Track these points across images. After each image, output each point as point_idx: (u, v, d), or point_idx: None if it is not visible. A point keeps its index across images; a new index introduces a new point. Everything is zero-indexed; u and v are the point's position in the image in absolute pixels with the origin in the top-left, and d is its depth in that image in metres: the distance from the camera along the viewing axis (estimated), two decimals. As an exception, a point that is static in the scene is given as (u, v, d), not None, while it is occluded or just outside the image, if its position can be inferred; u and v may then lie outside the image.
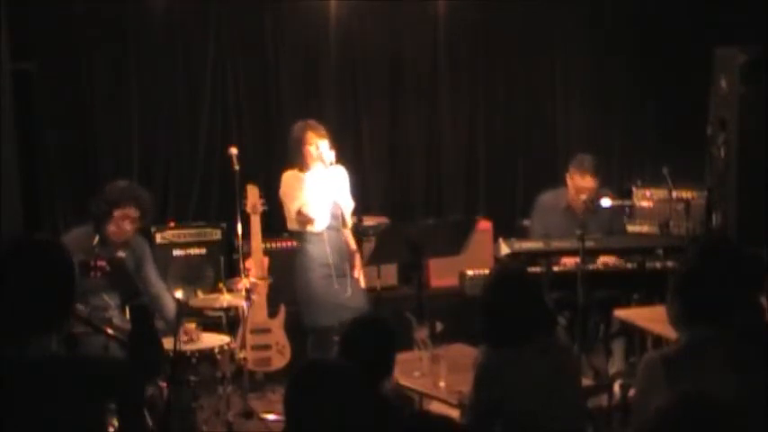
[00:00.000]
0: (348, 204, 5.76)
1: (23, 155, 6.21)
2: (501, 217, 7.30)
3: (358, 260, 5.82)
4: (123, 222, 4.94)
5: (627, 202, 6.56)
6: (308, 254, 5.67)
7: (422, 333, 4.82)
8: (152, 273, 5.24)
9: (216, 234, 6.66)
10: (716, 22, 7.31)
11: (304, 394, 2.68)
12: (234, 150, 5.65)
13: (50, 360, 2.56)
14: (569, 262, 5.92)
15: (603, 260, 6.04)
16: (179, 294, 5.12)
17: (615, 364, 6.08)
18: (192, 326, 5.22)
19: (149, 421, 4.44)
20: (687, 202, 5.95)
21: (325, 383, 2.66)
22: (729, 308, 2.82)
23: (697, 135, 7.01)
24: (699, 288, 2.83)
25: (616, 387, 5.39)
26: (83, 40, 6.75)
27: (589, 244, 5.57)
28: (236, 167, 5.59)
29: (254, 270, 5.70)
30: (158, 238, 6.48)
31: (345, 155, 6.25)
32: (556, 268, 5.97)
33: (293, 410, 2.70)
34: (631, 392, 4.87)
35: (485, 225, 7.01)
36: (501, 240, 5.98)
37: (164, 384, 4.71)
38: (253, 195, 5.70)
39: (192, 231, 6.66)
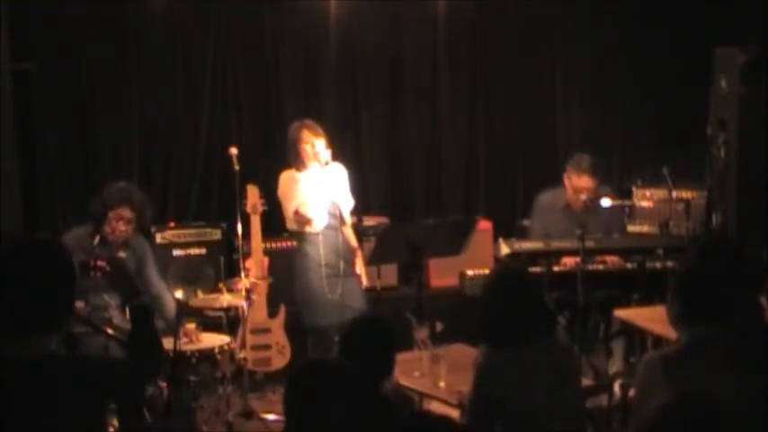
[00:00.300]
0: (347, 202, 5.76)
1: (23, 155, 6.21)
2: (501, 217, 7.30)
3: (360, 258, 5.82)
4: (117, 223, 4.95)
5: (627, 202, 6.56)
6: (306, 254, 5.68)
7: (422, 333, 4.82)
8: (153, 273, 5.24)
9: (216, 234, 6.66)
10: (716, 22, 7.31)
11: (304, 394, 2.68)
12: (234, 150, 5.65)
13: (50, 360, 2.56)
14: (569, 262, 5.93)
15: (603, 260, 6.04)
16: (179, 294, 5.12)
17: (615, 364, 6.08)
18: (191, 326, 5.21)
19: (149, 421, 4.44)
20: (687, 202, 5.95)
21: (325, 383, 2.66)
22: (729, 308, 2.82)
23: (697, 135, 7.01)
24: (699, 288, 2.83)
25: (616, 387, 5.38)
26: (83, 40, 6.76)
27: (589, 244, 5.58)
28: (236, 167, 5.60)
29: (254, 270, 5.70)
30: (158, 238, 6.48)
31: (345, 155, 6.26)
32: (556, 268, 5.98)
33: (293, 410, 2.70)
34: (631, 392, 4.87)
35: (485, 225, 7.01)
36: (501, 240, 5.99)
37: (164, 384, 4.72)
38: (253, 195, 5.70)
39: (192, 231, 6.66)
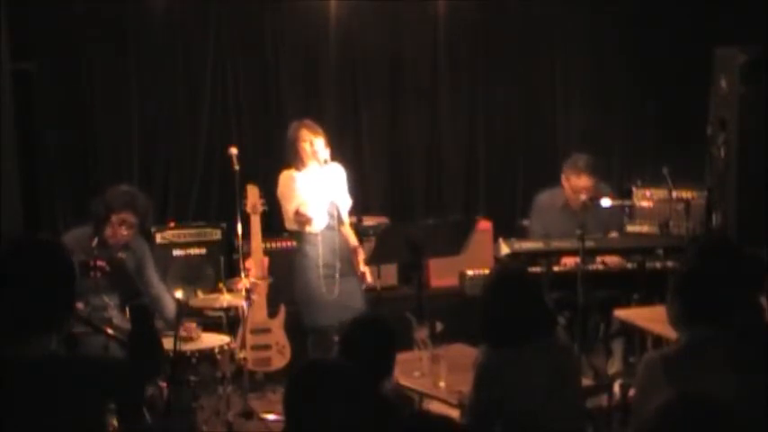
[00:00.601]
0: (345, 202, 5.76)
1: (23, 155, 6.21)
2: (501, 217, 7.30)
3: (361, 256, 5.82)
4: (120, 228, 4.95)
5: (627, 202, 6.57)
6: (306, 254, 5.68)
7: (422, 333, 4.82)
8: (153, 274, 5.25)
9: (216, 234, 6.66)
10: (716, 22, 7.31)
11: (304, 394, 2.68)
12: (234, 150, 5.65)
13: (50, 360, 2.56)
14: (569, 262, 5.93)
15: (603, 260, 6.05)
16: (179, 294, 5.12)
17: (615, 364, 6.08)
18: (191, 326, 5.21)
19: (149, 421, 4.44)
20: (687, 202, 5.96)
21: (325, 383, 2.66)
22: (729, 308, 2.82)
23: (697, 135, 7.01)
24: (699, 288, 2.83)
25: (616, 387, 5.38)
26: (83, 40, 6.75)
27: (589, 244, 5.58)
28: (236, 167, 5.60)
29: (254, 270, 5.70)
30: (158, 238, 6.48)
31: (345, 155, 6.26)
32: (556, 268, 5.98)
33: (293, 410, 2.70)
34: (631, 392, 4.87)
35: (485, 225, 7.01)
36: (501, 240, 5.99)
37: (164, 384, 4.71)
38: (253, 195, 5.70)
39: (192, 231, 6.66)
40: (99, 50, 6.82)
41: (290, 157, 5.66)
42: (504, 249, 5.87)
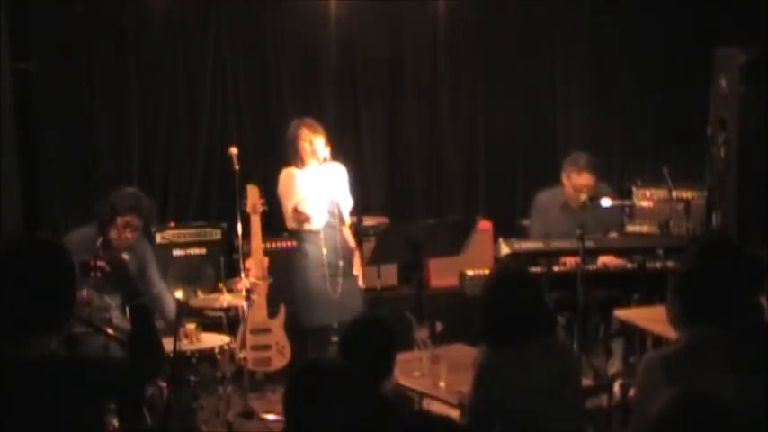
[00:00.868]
0: (346, 202, 5.76)
1: (23, 155, 6.21)
2: (501, 217, 7.30)
3: (357, 258, 5.82)
4: (125, 230, 4.96)
5: (627, 202, 6.56)
6: (305, 253, 5.69)
7: (422, 333, 4.82)
8: (154, 274, 5.25)
9: (216, 234, 6.66)
10: (716, 22, 7.31)
11: (304, 394, 2.68)
12: (234, 150, 5.65)
13: (50, 360, 2.56)
14: (569, 262, 5.93)
15: (603, 260, 6.05)
16: (179, 294, 5.13)
17: (615, 364, 6.08)
18: (192, 326, 5.21)
19: (149, 421, 4.44)
20: (687, 202, 5.96)
21: (325, 383, 2.66)
22: (729, 308, 2.82)
23: (697, 135, 7.01)
24: (699, 288, 2.83)
25: (616, 387, 5.38)
26: (83, 40, 6.75)
27: (589, 244, 5.58)
28: (236, 167, 5.60)
29: (254, 270, 5.70)
30: (158, 238, 6.48)
31: (345, 155, 6.26)
32: (556, 268, 5.98)
33: (293, 410, 2.70)
34: (631, 392, 4.86)
35: (485, 225, 7.01)
36: (501, 240, 5.99)
37: (164, 384, 4.71)
38: (253, 195, 5.70)
39: (192, 231, 6.66)
40: (99, 50, 6.82)
41: (290, 156, 5.67)
42: (504, 249, 5.87)
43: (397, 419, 2.92)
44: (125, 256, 4.89)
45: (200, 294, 5.63)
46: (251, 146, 7.02)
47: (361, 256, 5.90)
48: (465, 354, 4.54)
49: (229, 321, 5.76)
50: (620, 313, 5.47)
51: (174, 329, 4.90)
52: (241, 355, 5.53)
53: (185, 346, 5.00)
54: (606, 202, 6.02)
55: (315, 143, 5.59)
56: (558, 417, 3.52)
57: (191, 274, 6.41)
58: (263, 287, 5.78)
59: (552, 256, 5.96)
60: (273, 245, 6.50)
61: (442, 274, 6.87)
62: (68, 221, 6.37)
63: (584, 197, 6.06)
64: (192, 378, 4.94)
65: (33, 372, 2.51)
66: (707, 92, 6.83)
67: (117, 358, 3.54)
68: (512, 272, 3.96)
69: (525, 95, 7.85)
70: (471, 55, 7.71)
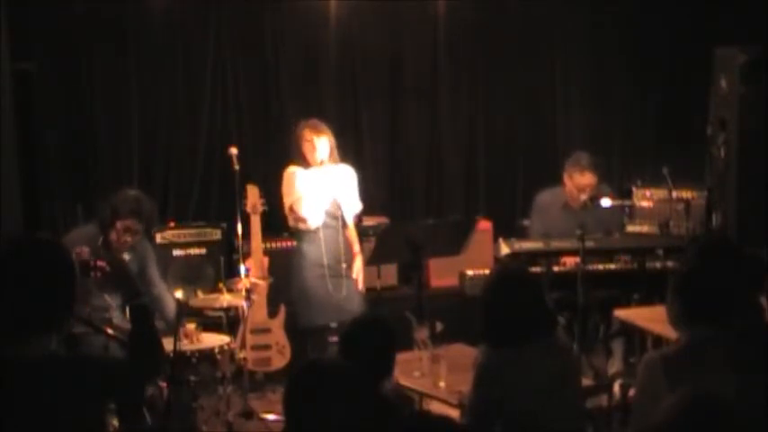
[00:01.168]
0: (351, 204, 5.76)
1: (23, 155, 6.21)
2: (501, 217, 7.30)
3: (359, 262, 5.82)
4: (124, 234, 4.95)
5: (627, 202, 6.57)
6: (303, 253, 5.70)
7: (422, 333, 4.81)
8: (155, 274, 5.24)
9: (216, 234, 6.66)
10: (716, 22, 7.31)
11: (304, 394, 2.68)
12: (234, 150, 5.65)
13: (50, 360, 2.56)
14: (569, 262, 5.93)
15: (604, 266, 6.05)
16: (179, 294, 5.12)
17: (615, 364, 6.08)
18: (191, 327, 5.21)
19: (149, 421, 4.44)
20: (687, 202, 5.96)
21: (325, 383, 2.66)
22: (729, 308, 2.81)
23: (697, 135, 7.01)
24: (699, 288, 2.83)
25: (616, 387, 5.38)
26: (83, 40, 6.75)
27: (589, 244, 5.58)
28: (236, 167, 5.60)
29: (254, 270, 5.71)
30: (158, 238, 6.47)
31: (345, 155, 6.25)
32: (556, 268, 5.98)
33: (293, 410, 2.70)
34: (631, 392, 4.86)
35: (485, 225, 7.01)
36: (501, 240, 5.99)
37: (164, 384, 4.71)
38: (253, 195, 5.70)
39: (192, 231, 6.66)
40: (99, 50, 6.81)
41: (295, 155, 5.68)
42: (504, 249, 5.87)
43: (397, 419, 2.92)
44: (125, 256, 4.89)
45: (200, 294, 5.63)
46: (251, 146, 7.02)
47: (363, 260, 5.89)
48: (465, 354, 4.54)
49: (229, 321, 5.77)
50: (620, 313, 5.47)
51: (174, 329, 4.89)
52: (241, 355, 5.53)
53: (185, 346, 5.00)
54: (606, 202, 6.03)
55: (316, 144, 5.59)
56: (558, 417, 3.52)
57: (191, 274, 6.41)
58: (263, 287, 5.78)
59: (552, 256, 5.96)
60: (273, 245, 6.50)
61: (442, 274, 6.87)
62: (68, 221, 6.36)
63: (584, 197, 6.06)
64: (192, 378, 4.94)
65: (33, 372, 2.51)
66: (707, 92, 6.83)
67: (117, 358, 3.54)
68: (512, 272, 3.96)
69: (525, 95, 7.85)
70: (471, 55, 7.71)
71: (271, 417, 5.50)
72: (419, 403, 4.47)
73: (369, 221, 6.86)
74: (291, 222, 5.73)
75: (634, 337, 5.68)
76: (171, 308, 5.13)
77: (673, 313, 2.89)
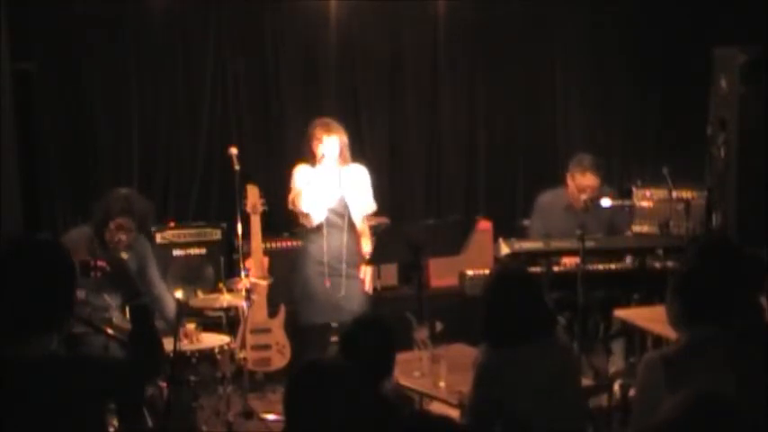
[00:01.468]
0: (362, 204, 5.74)
1: (23, 155, 6.21)
2: (501, 217, 7.30)
3: (366, 263, 5.82)
4: (118, 233, 4.95)
5: (627, 202, 6.56)
6: (306, 251, 5.71)
7: (422, 333, 4.81)
8: (154, 274, 5.24)
9: (216, 234, 6.66)
10: (716, 22, 7.30)
11: (304, 394, 2.68)
12: (234, 150, 5.65)
13: (50, 360, 2.56)
14: (569, 262, 5.93)
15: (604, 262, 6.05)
16: (179, 294, 5.12)
17: (615, 364, 6.07)
18: (192, 326, 5.21)
19: (149, 421, 4.44)
20: (687, 202, 5.96)
21: (324, 383, 2.66)
22: (729, 308, 2.81)
23: (697, 135, 7.01)
24: (699, 288, 2.83)
25: (616, 387, 5.39)
26: (83, 40, 6.75)
27: (589, 244, 5.58)
28: (236, 167, 5.60)
29: (254, 270, 5.71)
30: (158, 238, 6.48)
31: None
32: (556, 268, 5.98)
33: (293, 410, 2.70)
34: (631, 392, 4.87)
35: (485, 225, 7.01)
36: (501, 240, 5.99)
37: (164, 384, 4.71)
38: (253, 195, 5.70)
39: (192, 231, 6.66)
40: (99, 50, 6.81)
41: (306, 153, 5.67)
42: (504, 249, 5.86)
43: (397, 419, 2.92)
44: (124, 255, 4.88)
45: (200, 294, 5.64)
46: (251, 146, 7.02)
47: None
48: (465, 354, 4.54)
49: (229, 321, 5.77)
50: (620, 313, 5.47)
51: (174, 329, 4.89)
52: (241, 355, 5.53)
53: (185, 346, 5.00)
54: (606, 202, 6.03)
55: (324, 142, 5.60)
56: (558, 417, 3.52)
57: (191, 274, 6.41)
58: (263, 287, 5.78)
59: (552, 256, 5.96)
60: (273, 245, 6.50)
61: (442, 274, 6.87)
62: (68, 221, 6.36)
63: (584, 197, 6.05)
64: (192, 378, 4.94)
65: (33, 372, 2.51)
66: (707, 92, 6.83)
67: (117, 358, 3.54)
68: (512, 272, 3.96)
69: (525, 95, 7.85)
70: (471, 55, 7.71)
71: (271, 417, 5.50)
72: (419, 403, 4.47)
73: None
74: (301, 220, 5.73)
75: (634, 337, 5.68)
76: (171, 307, 5.13)
77: (673, 313, 2.89)
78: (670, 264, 5.84)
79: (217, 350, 5.09)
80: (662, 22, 7.69)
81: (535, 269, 5.82)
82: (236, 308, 5.70)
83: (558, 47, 7.86)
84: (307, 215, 5.63)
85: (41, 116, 6.56)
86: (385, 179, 7.59)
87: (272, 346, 5.87)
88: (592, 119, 7.91)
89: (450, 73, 7.67)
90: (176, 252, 6.55)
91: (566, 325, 5.80)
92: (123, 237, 4.97)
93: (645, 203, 6.63)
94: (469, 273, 6.50)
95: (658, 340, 4.91)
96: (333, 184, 5.64)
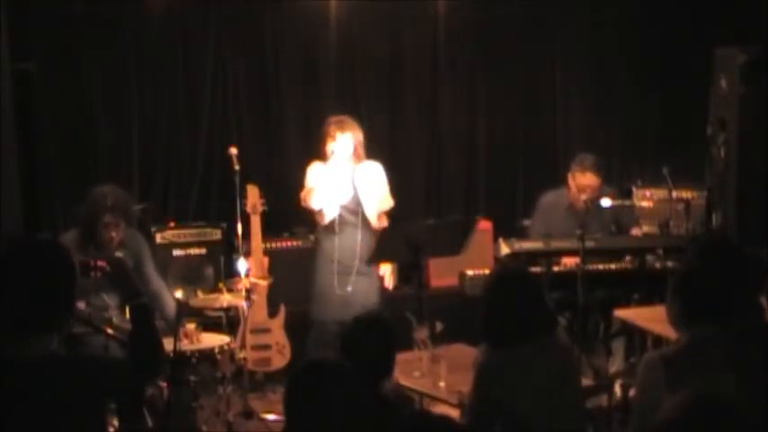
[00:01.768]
0: (377, 201, 5.74)
1: (23, 155, 6.21)
2: (501, 217, 7.29)
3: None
4: (107, 231, 4.94)
5: (627, 202, 6.56)
6: (321, 248, 5.80)
7: (422, 333, 4.81)
8: (151, 270, 5.23)
9: (216, 234, 6.65)
10: (716, 22, 7.30)
11: (304, 394, 2.68)
12: (234, 150, 5.66)
13: (50, 360, 2.56)
14: (569, 262, 5.93)
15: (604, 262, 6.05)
16: (179, 294, 5.12)
17: (615, 364, 6.08)
18: (192, 326, 5.21)
19: (149, 421, 4.44)
20: (687, 202, 5.96)
21: (325, 383, 2.66)
22: (729, 308, 2.81)
23: (697, 135, 7.01)
24: (699, 288, 2.83)
25: (616, 387, 5.39)
26: (83, 40, 6.75)
27: (589, 244, 5.58)
28: (236, 167, 5.60)
29: (254, 270, 5.71)
30: (158, 238, 6.48)
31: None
32: (556, 268, 5.98)
33: (293, 410, 2.70)
34: (631, 392, 4.87)
35: (485, 225, 7.01)
36: (501, 240, 5.98)
37: (164, 384, 4.71)
38: (253, 195, 5.71)
39: (192, 231, 6.66)
40: (99, 50, 6.81)
41: (322, 150, 5.68)
42: (504, 249, 5.86)
43: (397, 419, 2.92)
44: (118, 253, 4.87)
45: (200, 294, 5.63)
46: (251, 146, 7.02)
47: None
48: (465, 354, 4.54)
49: (229, 321, 5.76)
50: (620, 313, 5.47)
51: (174, 329, 4.89)
52: (241, 355, 5.53)
53: (185, 346, 5.00)
54: (606, 202, 6.02)
55: (338, 139, 5.61)
56: (558, 417, 3.52)
57: (191, 274, 6.41)
58: (263, 287, 5.79)
59: (552, 256, 5.96)
60: (273, 245, 6.50)
61: (442, 274, 6.87)
62: (68, 221, 6.36)
63: (584, 197, 6.05)
64: (192, 378, 4.94)
65: (33, 372, 2.51)
66: (707, 92, 6.83)
67: (117, 358, 3.54)
68: (512, 272, 3.96)
69: (525, 95, 7.85)
70: (471, 55, 7.71)
71: (271, 417, 5.51)
72: (419, 403, 4.47)
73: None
74: (315, 217, 5.74)
75: (634, 337, 5.68)
76: (170, 305, 5.13)
77: (673, 313, 2.89)
78: (670, 264, 5.83)
79: (217, 350, 5.09)
80: (662, 22, 7.70)
81: (535, 269, 5.82)
82: (236, 308, 5.69)
83: (558, 47, 7.86)
84: (319, 212, 5.65)
85: (41, 116, 6.56)
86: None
87: (272, 346, 5.87)
88: (592, 119, 7.91)
89: (450, 73, 7.67)
90: (176, 252, 6.54)
91: (566, 325, 5.81)
92: (114, 234, 4.96)
93: (645, 203, 6.63)
94: (469, 273, 6.50)
95: (658, 340, 4.91)
96: (346, 182, 5.65)
